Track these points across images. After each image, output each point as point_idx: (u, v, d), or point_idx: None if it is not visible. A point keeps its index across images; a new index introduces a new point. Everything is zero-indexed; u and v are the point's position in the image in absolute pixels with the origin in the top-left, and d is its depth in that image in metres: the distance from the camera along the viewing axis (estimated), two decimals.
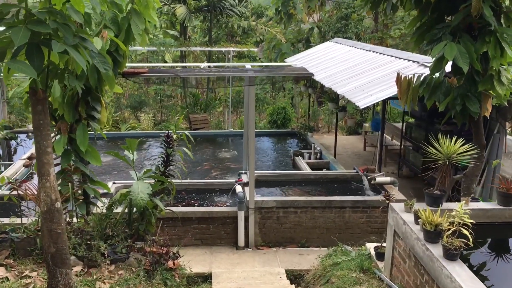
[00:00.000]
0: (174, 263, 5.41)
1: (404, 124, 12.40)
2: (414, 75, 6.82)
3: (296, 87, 23.35)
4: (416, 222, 4.73)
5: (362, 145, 15.27)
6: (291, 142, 15.33)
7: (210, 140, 15.20)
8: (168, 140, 6.06)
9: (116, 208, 5.77)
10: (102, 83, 5.53)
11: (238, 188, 8.50)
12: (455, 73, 6.07)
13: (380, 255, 5.77)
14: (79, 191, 5.94)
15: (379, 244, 5.92)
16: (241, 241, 8.25)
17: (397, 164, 13.10)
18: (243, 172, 9.49)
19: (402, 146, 12.89)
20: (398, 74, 7.02)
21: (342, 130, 18.86)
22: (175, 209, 8.22)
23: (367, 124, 16.22)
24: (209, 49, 17.99)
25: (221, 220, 8.28)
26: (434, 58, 6.01)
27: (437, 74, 6.35)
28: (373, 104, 10.97)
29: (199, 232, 8.29)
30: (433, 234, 4.36)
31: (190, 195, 9.18)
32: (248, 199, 8.19)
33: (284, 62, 15.02)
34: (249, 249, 8.28)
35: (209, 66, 10.07)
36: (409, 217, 4.88)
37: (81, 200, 5.93)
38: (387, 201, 5.72)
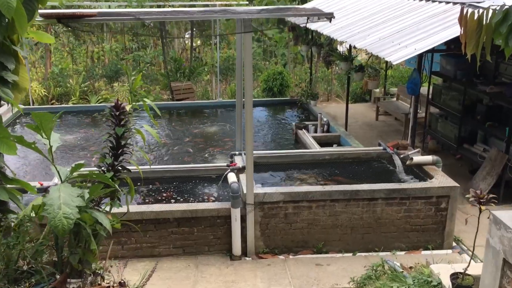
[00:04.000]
0: None
1: (431, 87, 10.19)
2: (489, 7, 4.57)
3: (290, 53, 20.96)
4: None
5: (373, 114, 13.06)
6: (291, 112, 13.05)
7: (196, 112, 12.87)
8: (118, 114, 3.78)
9: (29, 229, 3.52)
10: (12, 27, 3.22)
11: (231, 177, 6.26)
12: None
13: None
14: None
15: (460, 272, 3.76)
16: (236, 248, 6.09)
17: (420, 136, 10.94)
18: (237, 153, 7.25)
19: (427, 114, 10.72)
20: (462, 9, 4.79)
21: (342, 98, 16.60)
22: (144, 207, 6.01)
23: (377, 90, 13.99)
24: (192, 2, 15.42)
25: (209, 220, 6.09)
26: None
27: None
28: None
29: (179, 237, 6.11)
30: None
31: (167, 185, 6.95)
32: (245, 191, 5.99)
33: None
34: (247, 258, 6.13)
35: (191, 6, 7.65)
36: None
37: None
38: (479, 205, 3.52)
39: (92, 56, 21.04)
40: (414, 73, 7.44)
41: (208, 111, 13.10)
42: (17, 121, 11.34)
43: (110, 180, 3.55)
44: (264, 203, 6.06)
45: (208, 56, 18.15)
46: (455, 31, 6.72)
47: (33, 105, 13.23)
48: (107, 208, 3.84)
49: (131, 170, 3.98)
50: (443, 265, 4.11)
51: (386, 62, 13.57)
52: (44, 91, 14.02)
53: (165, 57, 15.28)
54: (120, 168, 3.88)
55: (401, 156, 7.06)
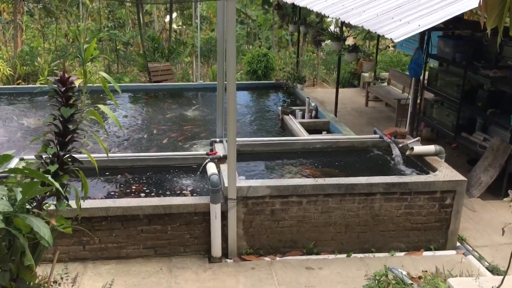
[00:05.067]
0: None
1: (426, 71, 9.51)
2: None
3: (274, 36, 20.09)
4: None
5: (362, 100, 12.37)
6: (276, 96, 12.29)
7: (174, 95, 12.00)
8: (65, 90, 2.96)
9: None
10: None
11: (211, 168, 5.48)
12: None
13: None
14: None
15: None
16: (216, 248, 5.34)
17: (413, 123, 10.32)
18: (217, 140, 6.47)
19: (422, 100, 10.06)
20: None
21: (328, 83, 15.90)
22: (110, 202, 5.21)
23: (366, 74, 13.30)
24: None
25: (184, 217, 5.32)
26: None
27: None
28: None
29: (150, 236, 5.32)
30: None
31: (137, 176, 6.15)
32: (226, 184, 5.22)
33: None
34: (228, 260, 5.39)
35: None
36: None
37: None
38: None
39: (67, 34, 19.87)
40: (417, 52, 6.72)
41: (188, 94, 12.25)
42: None
43: (50, 176, 2.74)
44: (248, 198, 5.31)
45: (189, 38, 17.21)
46: (463, 5, 6.02)
47: None
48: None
49: (82, 162, 3.18)
50: (464, 280, 3.44)
51: (377, 45, 12.95)
52: (10, 70, 12.95)
53: (142, 35, 14.29)
54: (68, 159, 3.07)
55: (400, 145, 6.38)
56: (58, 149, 2.98)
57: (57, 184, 2.57)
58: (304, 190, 5.36)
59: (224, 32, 5.91)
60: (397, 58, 14.96)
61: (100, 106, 3.11)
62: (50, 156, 2.98)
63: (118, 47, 16.81)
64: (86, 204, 5.09)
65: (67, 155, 3.02)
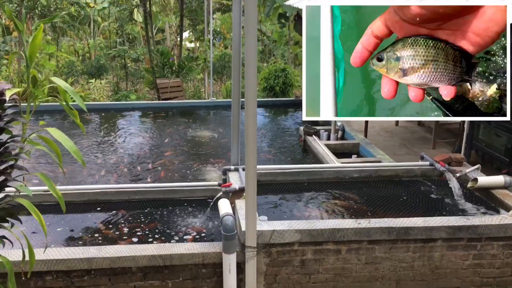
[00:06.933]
0: None
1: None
2: None
3: (290, 52, 19.08)
4: None
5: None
6: (296, 115, 11.15)
7: (184, 113, 10.93)
8: None
9: None
10: None
11: (224, 206, 4.29)
12: None
13: None
14: None
15: None
16: None
17: (452, 145, 9.14)
18: (232, 168, 5.30)
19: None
20: None
21: None
22: (94, 251, 4.06)
23: None
24: None
25: (189, 270, 4.14)
26: None
27: None
28: None
29: None
30: None
31: (133, 212, 5.00)
32: (243, 228, 4.03)
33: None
34: None
35: None
36: None
37: None
38: None
39: (76, 51, 19.12)
40: None
41: (199, 112, 11.17)
42: None
43: None
44: (271, 246, 4.12)
45: (202, 53, 16.27)
46: None
47: None
48: None
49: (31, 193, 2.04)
50: None
51: None
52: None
53: (150, 49, 13.32)
54: None
55: (457, 175, 5.15)
56: None
57: None
58: (343, 236, 4.15)
59: (240, 37, 4.81)
60: None
61: (50, 129, 1.98)
62: None
63: (127, 64, 15.95)
64: (64, 253, 3.96)
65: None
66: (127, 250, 4.08)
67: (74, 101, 2.17)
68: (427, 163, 5.52)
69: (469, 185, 4.92)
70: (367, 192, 5.19)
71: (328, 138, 8.67)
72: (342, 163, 6.61)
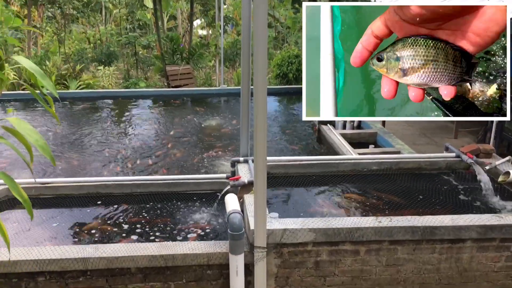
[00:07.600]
0: None
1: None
2: None
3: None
4: None
5: None
6: None
7: (195, 101, 10.58)
8: None
9: None
10: None
11: (231, 202, 3.92)
12: None
13: None
14: None
15: None
16: None
17: (475, 134, 8.68)
18: (241, 159, 4.94)
19: None
20: None
21: None
22: (91, 250, 3.74)
23: None
24: None
25: (194, 271, 3.80)
26: None
27: None
28: None
29: None
30: None
31: (135, 206, 4.67)
32: (252, 226, 3.67)
33: None
34: None
35: None
36: None
37: None
38: None
39: (88, 38, 18.87)
40: None
41: (210, 100, 10.80)
42: None
43: None
44: (283, 245, 3.75)
45: (213, 39, 15.87)
46: None
47: None
48: None
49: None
50: None
51: None
52: (15, 75, 11.79)
53: (159, 35, 12.95)
54: None
55: (487, 167, 4.71)
56: None
57: None
58: (362, 235, 3.77)
59: (250, 23, 4.42)
60: None
61: (12, 119, 1.62)
62: None
63: (138, 51, 15.63)
64: (57, 253, 3.65)
65: None
66: (126, 250, 3.75)
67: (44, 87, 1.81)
68: (453, 154, 5.08)
69: (500, 179, 4.49)
70: (387, 187, 4.78)
71: (344, 127, 8.25)
72: (359, 154, 6.20)
